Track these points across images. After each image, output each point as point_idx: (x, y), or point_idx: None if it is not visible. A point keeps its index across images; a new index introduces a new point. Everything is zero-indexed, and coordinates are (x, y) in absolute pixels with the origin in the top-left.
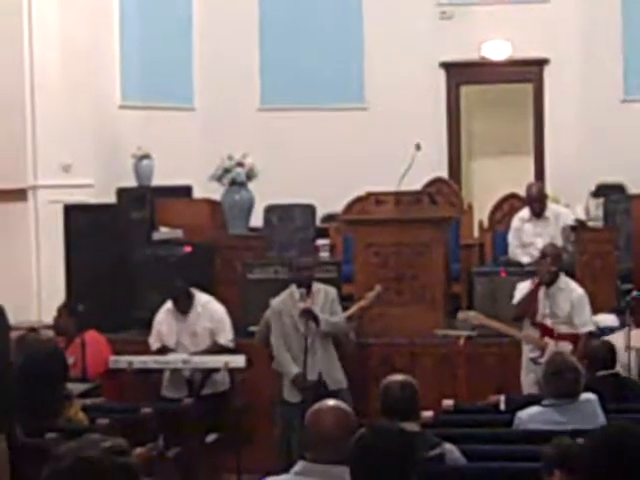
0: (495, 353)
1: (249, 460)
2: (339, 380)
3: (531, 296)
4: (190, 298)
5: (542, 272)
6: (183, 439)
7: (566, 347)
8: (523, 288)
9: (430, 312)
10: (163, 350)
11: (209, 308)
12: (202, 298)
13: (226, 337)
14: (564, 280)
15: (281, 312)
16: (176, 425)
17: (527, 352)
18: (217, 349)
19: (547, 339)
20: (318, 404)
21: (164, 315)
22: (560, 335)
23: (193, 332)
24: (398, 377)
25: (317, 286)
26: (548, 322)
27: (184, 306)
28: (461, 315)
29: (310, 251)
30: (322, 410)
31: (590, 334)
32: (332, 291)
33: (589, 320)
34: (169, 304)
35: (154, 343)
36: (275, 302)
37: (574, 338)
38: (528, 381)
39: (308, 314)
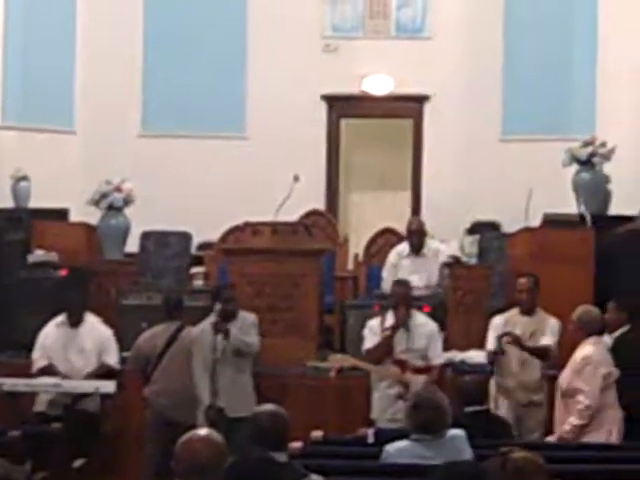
0: (365, 386)
1: None
2: (240, 408)
3: (387, 341)
4: (83, 313)
5: (400, 317)
6: (51, 463)
7: (424, 380)
8: (372, 326)
9: (303, 343)
10: (48, 369)
11: (98, 328)
12: (91, 317)
13: (114, 358)
14: (418, 316)
15: (202, 341)
16: (44, 449)
17: (382, 389)
18: (105, 370)
19: (410, 374)
20: (190, 433)
21: (52, 329)
22: (416, 369)
23: (81, 348)
24: (268, 407)
25: (240, 314)
26: (405, 357)
27: (77, 319)
28: (331, 358)
29: (184, 279)
30: (193, 439)
31: (443, 366)
32: (252, 317)
33: (441, 352)
34: (60, 318)
35: (39, 359)
36: (195, 331)
37: (429, 371)
38: (385, 416)
39: (219, 326)
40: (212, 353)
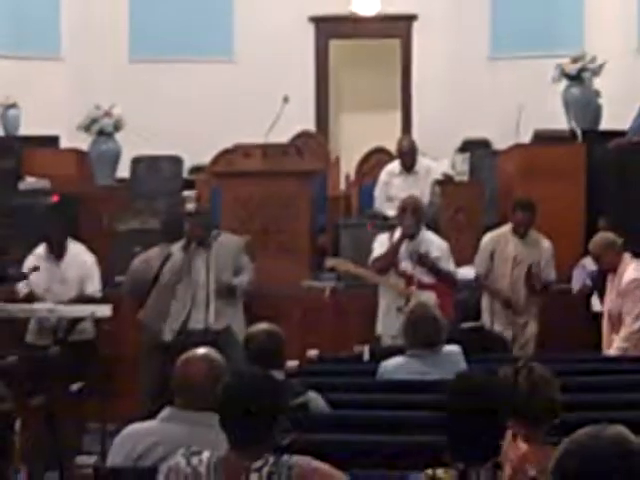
0: (360, 304)
1: (114, 409)
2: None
3: (394, 250)
4: (65, 244)
5: (406, 225)
6: (47, 387)
7: (430, 297)
8: (382, 240)
9: (296, 264)
10: (30, 296)
11: (80, 257)
12: (74, 246)
13: (94, 287)
14: (426, 233)
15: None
16: (41, 373)
17: (389, 302)
18: (84, 299)
19: (412, 288)
20: (188, 352)
21: (35, 259)
22: (423, 284)
23: (63, 279)
24: (263, 326)
25: (221, 237)
26: (412, 272)
27: (59, 250)
28: (329, 262)
29: (177, 202)
30: (191, 358)
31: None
32: (238, 241)
33: (454, 271)
34: (40, 249)
35: (22, 289)
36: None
37: (438, 288)
38: (389, 332)
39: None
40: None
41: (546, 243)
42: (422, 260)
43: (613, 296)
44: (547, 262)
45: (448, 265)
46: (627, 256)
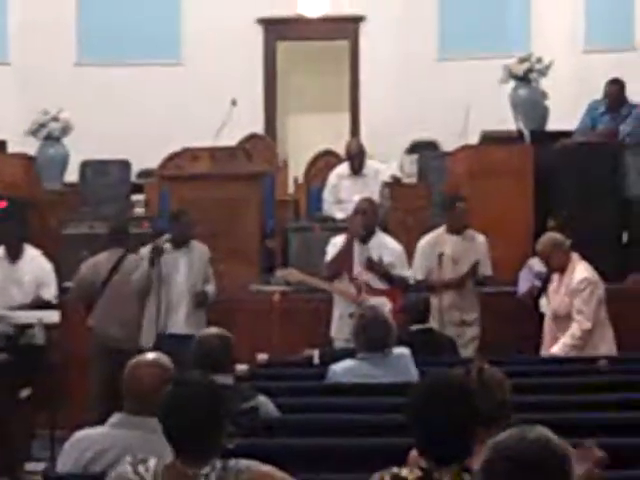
0: (309, 308)
1: (63, 416)
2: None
3: (344, 252)
4: (22, 246)
5: (354, 227)
6: None
7: (382, 302)
8: (336, 243)
9: (245, 268)
10: None
11: (38, 261)
12: (31, 250)
13: (51, 292)
14: (380, 236)
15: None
16: None
17: (342, 307)
18: (41, 303)
19: (364, 295)
20: (137, 357)
21: None
22: (375, 290)
23: (19, 281)
24: (212, 330)
25: (192, 243)
26: (364, 278)
27: (15, 252)
28: (279, 272)
29: (125, 207)
30: (140, 363)
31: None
32: (206, 250)
33: (407, 276)
34: None
35: None
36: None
37: (390, 293)
38: (342, 336)
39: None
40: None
41: (481, 238)
42: (372, 266)
43: (561, 296)
44: (484, 257)
45: (402, 270)
46: (575, 256)
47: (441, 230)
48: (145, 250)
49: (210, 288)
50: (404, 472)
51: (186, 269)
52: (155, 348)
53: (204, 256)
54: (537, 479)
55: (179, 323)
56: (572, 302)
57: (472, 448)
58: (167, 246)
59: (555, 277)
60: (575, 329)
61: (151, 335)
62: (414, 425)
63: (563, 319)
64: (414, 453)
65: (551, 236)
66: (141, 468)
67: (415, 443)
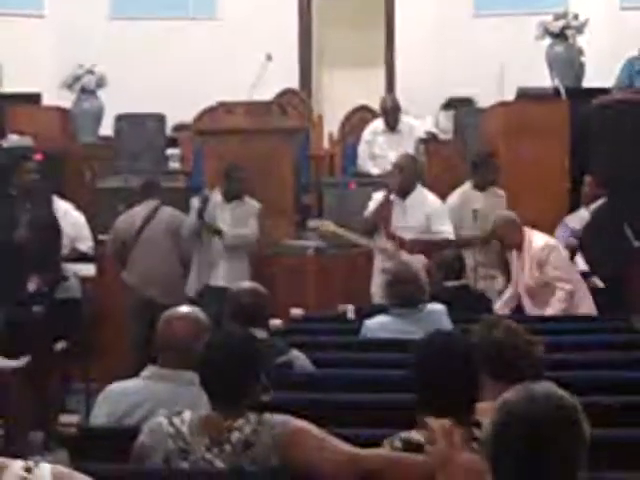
0: (344, 264)
1: (97, 369)
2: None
3: (381, 208)
4: (50, 202)
5: (392, 183)
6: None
7: (419, 259)
8: (377, 198)
9: (280, 223)
10: None
11: (69, 215)
12: (62, 205)
13: (87, 244)
14: (420, 192)
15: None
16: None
17: (379, 262)
18: (78, 255)
19: (401, 251)
20: (171, 310)
21: None
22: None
23: None
24: (247, 284)
25: (243, 198)
26: (403, 234)
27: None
28: (313, 223)
29: (159, 160)
30: (174, 316)
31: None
32: (256, 205)
33: (446, 230)
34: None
35: None
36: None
37: (427, 248)
38: (379, 292)
39: (208, 228)
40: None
41: (502, 193)
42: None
43: (529, 271)
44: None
45: (442, 224)
46: (527, 229)
47: (467, 187)
48: (195, 201)
49: (241, 231)
50: (414, 434)
51: (232, 223)
52: (196, 300)
53: (252, 210)
54: (553, 437)
55: (221, 276)
56: (543, 272)
57: (475, 401)
58: (218, 199)
59: (513, 256)
60: (559, 295)
61: (195, 286)
62: (417, 381)
63: (540, 292)
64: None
65: (503, 215)
66: (176, 420)
67: (417, 400)
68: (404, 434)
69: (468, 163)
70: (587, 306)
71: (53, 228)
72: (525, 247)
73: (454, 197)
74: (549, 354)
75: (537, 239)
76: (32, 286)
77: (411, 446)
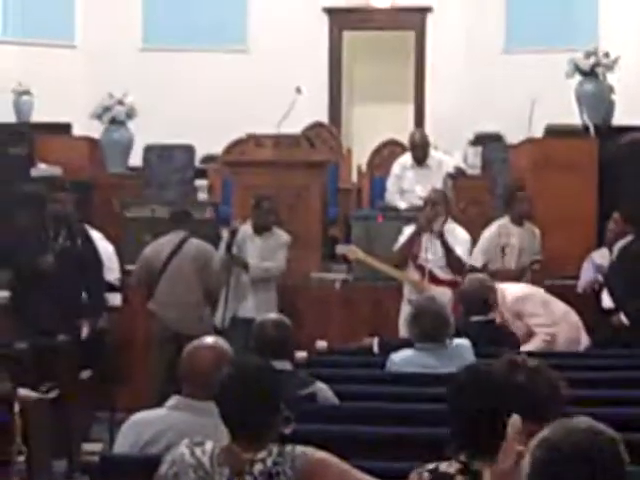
0: (370, 297)
1: (123, 399)
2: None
3: (410, 241)
4: (87, 233)
5: (421, 218)
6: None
7: (444, 292)
8: (407, 232)
9: (307, 255)
10: None
11: (100, 244)
12: (93, 233)
13: (114, 275)
14: (450, 226)
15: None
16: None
17: (407, 294)
18: (107, 286)
19: (428, 283)
20: (196, 340)
21: None
22: (438, 279)
23: None
24: (272, 316)
25: (272, 230)
26: (432, 268)
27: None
28: (340, 249)
29: (188, 191)
30: (199, 347)
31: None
32: (284, 237)
33: (465, 259)
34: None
35: None
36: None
37: (453, 283)
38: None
39: (234, 261)
40: (226, 286)
41: (537, 231)
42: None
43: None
44: (540, 249)
45: (467, 256)
46: (499, 286)
47: (504, 221)
48: (225, 234)
49: (267, 264)
50: (443, 466)
51: (258, 254)
52: (224, 331)
53: (281, 242)
54: (596, 472)
55: (248, 308)
56: (524, 323)
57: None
58: (249, 231)
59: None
60: (537, 339)
61: (223, 317)
62: (451, 416)
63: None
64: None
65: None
66: (198, 451)
67: (451, 435)
68: (432, 465)
69: (496, 198)
70: (576, 340)
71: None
72: (500, 303)
73: (490, 230)
74: (576, 389)
75: (508, 294)
76: (85, 331)
77: (439, 476)
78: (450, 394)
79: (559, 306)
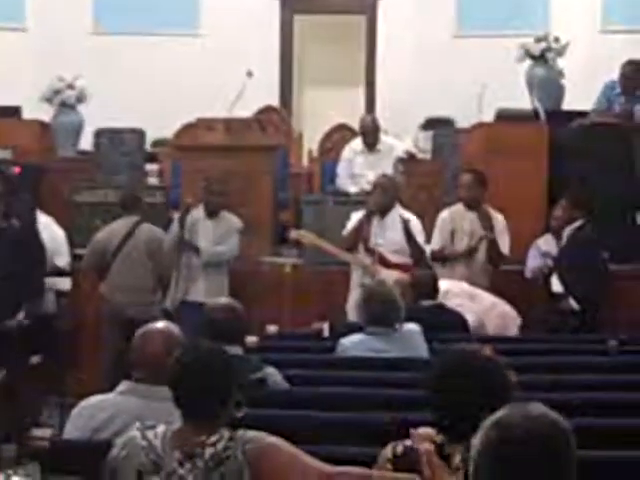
0: (320, 281)
1: (72, 384)
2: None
3: (360, 226)
4: (34, 215)
5: (370, 202)
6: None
7: (395, 275)
8: (356, 218)
9: (257, 239)
10: None
11: (50, 229)
12: (43, 218)
13: (64, 260)
14: (398, 211)
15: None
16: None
17: (356, 278)
18: (55, 271)
19: (379, 266)
20: (147, 325)
21: None
22: (389, 263)
23: None
24: (222, 300)
25: (224, 213)
26: (379, 250)
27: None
28: (293, 233)
29: (138, 176)
30: (150, 331)
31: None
32: (237, 222)
33: (423, 248)
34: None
35: None
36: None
37: (404, 267)
38: (355, 309)
39: (185, 245)
40: (176, 269)
41: (498, 217)
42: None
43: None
44: (499, 235)
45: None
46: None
47: (459, 206)
48: (177, 216)
49: (219, 248)
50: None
51: (212, 238)
52: (174, 314)
53: (234, 227)
54: (548, 458)
55: (199, 291)
56: None
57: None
58: (200, 214)
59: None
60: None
61: (174, 300)
62: (432, 400)
63: None
64: (425, 429)
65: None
66: (150, 434)
67: (433, 418)
68: (409, 442)
69: (447, 183)
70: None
71: (36, 247)
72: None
73: (442, 214)
74: (527, 374)
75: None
76: (22, 315)
77: (413, 452)
78: (434, 377)
79: (485, 298)
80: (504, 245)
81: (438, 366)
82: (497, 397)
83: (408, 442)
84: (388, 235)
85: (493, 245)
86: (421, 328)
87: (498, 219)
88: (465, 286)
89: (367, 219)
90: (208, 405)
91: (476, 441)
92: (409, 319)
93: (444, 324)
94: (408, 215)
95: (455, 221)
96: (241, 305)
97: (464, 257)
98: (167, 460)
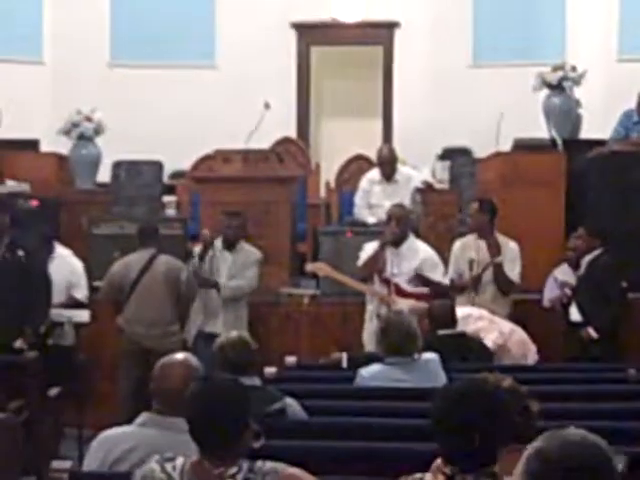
0: (338, 312)
1: (91, 415)
2: None
3: (376, 257)
4: (52, 246)
5: (386, 233)
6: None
7: (412, 305)
8: (369, 249)
9: (275, 271)
10: None
11: (69, 261)
12: (62, 250)
13: (82, 292)
14: (412, 241)
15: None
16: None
17: (372, 309)
18: (73, 303)
19: (394, 296)
20: (167, 356)
21: None
22: (405, 293)
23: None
24: (232, 335)
25: (242, 245)
26: (395, 280)
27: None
28: (309, 266)
29: (156, 207)
30: (170, 363)
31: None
32: (256, 254)
33: (440, 280)
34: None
35: None
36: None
37: (420, 297)
38: (372, 339)
39: (205, 282)
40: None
41: (511, 244)
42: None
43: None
44: (510, 262)
45: (433, 274)
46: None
47: (472, 236)
48: (197, 249)
49: (238, 282)
50: (428, 477)
51: (228, 271)
52: (190, 347)
53: (252, 257)
54: None
55: (217, 323)
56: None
57: (497, 455)
58: (218, 245)
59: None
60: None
61: (194, 332)
62: (436, 431)
63: None
64: (439, 461)
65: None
66: (168, 466)
67: (439, 449)
68: (419, 475)
69: (464, 213)
70: (524, 357)
71: (40, 277)
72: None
73: (456, 244)
74: (549, 403)
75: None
76: (19, 343)
77: None
78: (440, 408)
79: (505, 325)
80: (514, 272)
81: (439, 398)
82: (507, 425)
83: (418, 475)
84: (403, 265)
85: (499, 270)
86: (442, 357)
87: (510, 246)
88: (485, 312)
89: (382, 249)
90: (223, 437)
91: (517, 471)
92: (430, 348)
93: (465, 352)
94: (421, 246)
95: (466, 251)
96: (259, 336)
97: (472, 286)
98: None
